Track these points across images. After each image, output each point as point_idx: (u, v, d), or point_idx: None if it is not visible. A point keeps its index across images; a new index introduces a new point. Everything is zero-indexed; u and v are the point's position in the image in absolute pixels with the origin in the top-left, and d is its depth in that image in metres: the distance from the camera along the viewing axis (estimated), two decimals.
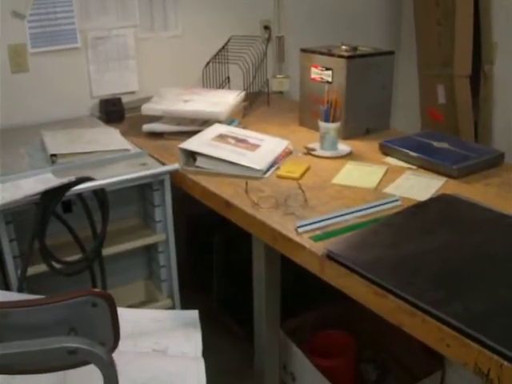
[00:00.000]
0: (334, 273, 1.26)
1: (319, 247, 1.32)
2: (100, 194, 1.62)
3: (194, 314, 1.54)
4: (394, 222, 1.40)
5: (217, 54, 2.58)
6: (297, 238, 1.37)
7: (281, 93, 2.92)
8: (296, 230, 1.40)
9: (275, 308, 1.76)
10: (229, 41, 2.60)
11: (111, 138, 1.97)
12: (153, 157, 1.87)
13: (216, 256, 2.39)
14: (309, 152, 1.96)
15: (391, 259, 1.23)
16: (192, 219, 2.54)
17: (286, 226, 1.43)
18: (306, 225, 1.40)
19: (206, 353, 1.29)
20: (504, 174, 1.82)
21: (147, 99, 2.26)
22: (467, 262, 1.22)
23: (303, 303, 2.03)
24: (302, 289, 1.99)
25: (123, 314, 1.04)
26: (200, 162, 1.83)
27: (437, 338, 1.06)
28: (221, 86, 2.63)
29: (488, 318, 1.03)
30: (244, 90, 2.47)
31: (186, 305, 1.86)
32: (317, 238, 1.36)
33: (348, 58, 2.06)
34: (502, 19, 3.09)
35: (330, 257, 1.27)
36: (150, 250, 1.88)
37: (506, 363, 0.94)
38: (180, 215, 1.91)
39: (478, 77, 3.10)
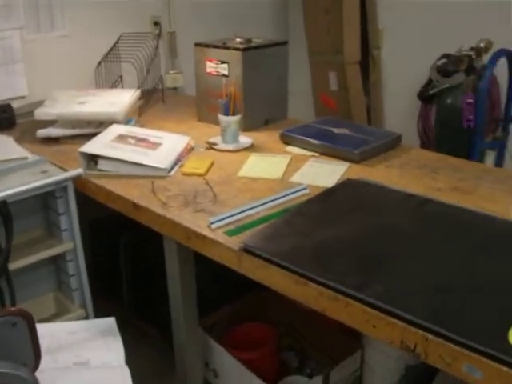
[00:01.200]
0: (252, 266, 1.26)
1: (234, 241, 1.31)
2: (1, 207, 1.54)
3: (111, 321, 1.49)
4: (305, 211, 1.41)
5: (108, 52, 2.52)
6: (211, 235, 1.36)
7: (175, 89, 2.89)
8: (209, 226, 1.39)
9: (192, 307, 1.74)
10: (119, 39, 2.55)
11: (6, 147, 1.88)
12: (52, 163, 1.80)
13: (124, 260, 2.34)
14: (211, 147, 1.95)
15: (308, 247, 1.24)
16: (95, 224, 2.47)
17: (198, 224, 1.41)
18: (218, 220, 1.39)
19: (127, 360, 1.26)
20: (403, 155, 1.88)
21: (39, 103, 2.17)
22: (382, 244, 1.25)
23: (220, 299, 2.02)
24: (217, 285, 1.98)
25: (38, 329, 1.00)
26: (102, 164, 1.78)
27: (362, 321, 1.08)
28: (114, 86, 2.57)
29: (409, 296, 1.06)
30: (138, 88, 2.42)
31: (98, 313, 1.81)
32: (231, 233, 1.35)
33: (243, 50, 2.07)
34: (387, 7, 3.20)
35: (246, 250, 1.26)
36: (57, 260, 1.81)
37: (430, 336, 0.97)
38: (82, 221, 1.85)
39: (367, 63, 3.20)
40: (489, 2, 2.77)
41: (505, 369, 0.90)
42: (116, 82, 2.58)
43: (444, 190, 1.60)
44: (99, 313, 1.73)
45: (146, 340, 2.28)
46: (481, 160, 2.56)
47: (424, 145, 2.90)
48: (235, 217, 1.42)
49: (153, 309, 2.24)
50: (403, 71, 3.22)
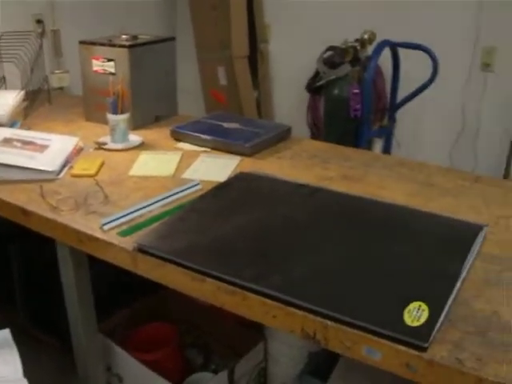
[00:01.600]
0: (148, 265, 1.24)
1: (128, 242, 1.29)
2: None
3: (5, 334, 1.43)
4: (198, 207, 1.40)
5: None
6: (104, 237, 1.33)
7: (61, 89, 2.81)
8: (101, 228, 1.35)
9: (90, 312, 1.69)
10: (0, 38, 2.44)
11: None
12: None
13: (16, 267, 2.25)
14: (100, 147, 1.90)
15: (204, 243, 1.23)
16: None
17: (90, 226, 1.38)
18: (110, 221, 1.36)
19: (25, 372, 1.21)
20: (293, 146, 1.91)
21: None
22: (277, 235, 1.26)
23: (120, 301, 1.98)
24: (116, 287, 1.94)
25: None
26: None
27: (261, 312, 1.08)
28: None
29: (306, 285, 1.08)
30: (22, 89, 2.33)
31: None
32: (124, 233, 1.32)
33: (129, 47, 2.03)
34: (272, 3, 3.24)
35: (140, 250, 1.24)
36: None
37: (330, 323, 0.99)
38: None
39: (256, 57, 3.23)
40: None
41: (402, 348, 0.93)
42: None
43: (335, 178, 1.64)
44: None
45: (44, 350, 2.20)
46: (369, 148, 2.65)
47: (314, 136, 2.96)
48: (128, 217, 1.39)
49: (50, 317, 2.17)
50: (291, 64, 3.28)
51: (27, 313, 2.32)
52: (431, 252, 1.19)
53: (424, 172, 1.69)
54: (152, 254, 1.23)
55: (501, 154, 3.00)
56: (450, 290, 1.05)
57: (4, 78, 2.48)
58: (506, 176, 2.90)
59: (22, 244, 2.21)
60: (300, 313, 1.03)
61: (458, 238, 1.24)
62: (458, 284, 1.07)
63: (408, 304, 1.00)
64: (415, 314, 0.97)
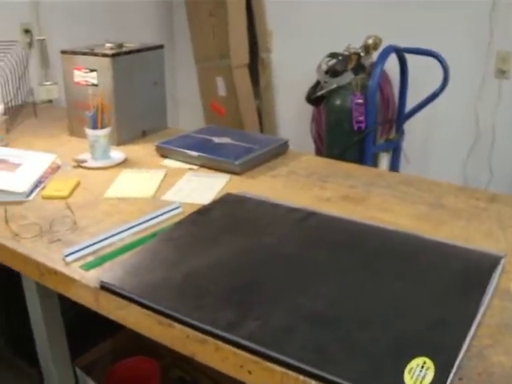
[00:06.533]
0: (111, 305, 1.08)
1: (92, 277, 1.12)
2: None
3: None
4: (174, 235, 1.23)
5: None
6: (65, 270, 1.16)
7: (50, 101, 2.66)
8: (64, 259, 1.19)
9: (62, 346, 1.53)
10: None
11: None
12: None
13: None
14: (79, 165, 1.74)
15: (175, 280, 1.06)
16: None
17: (52, 257, 1.21)
18: (74, 252, 1.20)
19: None
20: (290, 162, 1.75)
21: None
22: (260, 271, 1.09)
23: (99, 334, 1.82)
24: (93, 318, 1.78)
25: None
26: None
27: (235, 366, 0.91)
28: None
29: (287, 334, 0.89)
30: (5, 102, 2.19)
31: None
32: (88, 266, 1.16)
33: (112, 56, 1.88)
34: (276, 7, 3.07)
35: (103, 287, 1.08)
36: None
37: (313, 382, 0.82)
38: None
39: (257, 66, 3.07)
40: None
41: None
42: None
43: (333, 199, 1.48)
44: None
45: (22, 378, 2.06)
46: (375, 164, 2.47)
47: (319, 150, 2.80)
48: (95, 246, 1.23)
49: (30, 346, 2.02)
50: (295, 73, 3.12)
51: (7, 340, 2.17)
52: (440, 291, 1.01)
53: (434, 191, 1.52)
54: (115, 292, 1.06)
55: None
56: (462, 339, 0.87)
57: None
58: None
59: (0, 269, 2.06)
60: (278, 368, 0.86)
61: (472, 273, 1.07)
62: (472, 331, 0.90)
63: (410, 360, 0.82)
64: (418, 373, 0.80)
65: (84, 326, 1.68)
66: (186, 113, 3.39)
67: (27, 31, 2.59)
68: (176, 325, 0.98)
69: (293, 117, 3.18)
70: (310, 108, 2.84)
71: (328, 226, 1.27)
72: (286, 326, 0.92)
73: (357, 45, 2.50)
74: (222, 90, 3.02)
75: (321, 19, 2.98)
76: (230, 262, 1.12)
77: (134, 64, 1.95)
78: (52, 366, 1.52)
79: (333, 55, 2.48)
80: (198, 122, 3.15)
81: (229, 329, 0.92)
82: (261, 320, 0.93)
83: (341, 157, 1.83)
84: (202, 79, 3.13)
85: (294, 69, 3.12)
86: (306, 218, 1.29)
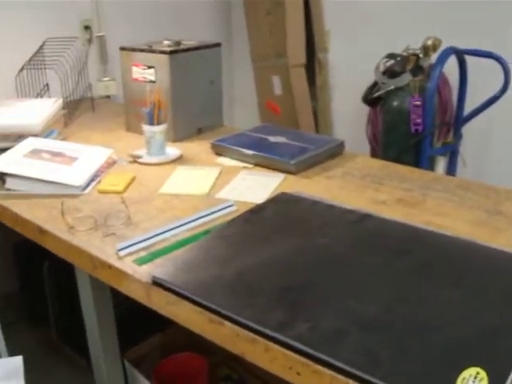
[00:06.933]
0: (163, 300, 1.08)
1: (144, 272, 1.13)
2: None
3: (17, 360, 1.33)
4: (226, 233, 1.23)
5: (31, 59, 2.31)
6: (118, 264, 1.17)
7: (108, 97, 2.70)
8: (117, 253, 1.20)
9: (112, 339, 1.55)
10: (44, 44, 2.34)
11: None
12: None
13: (49, 285, 2.14)
14: (135, 160, 1.76)
15: (227, 278, 1.06)
16: (20, 247, 2.28)
17: (105, 251, 1.22)
18: (127, 247, 1.21)
19: None
20: (346, 163, 1.73)
21: None
22: (313, 272, 1.07)
23: (149, 328, 1.83)
24: (144, 313, 1.80)
25: None
26: (10, 183, 1.58)
27: (284, 367, 0.90)
28: (39, 95, 2.36)
29: (338, 337, 0.88)
30: (65, 96, 2.23)
31: (23, 339, 1.61)
32: (141, 261, 1.17)
33: (170, 53, 1.89)
34: (334, 7, 3.05)
35: (155, 282, 1.08)
36: None
37: None
38: (5, 244, 1.65)
39: (314, 66, 3.04)
40: None
41: None
42: (42, 91, 2.38)
43: (388, 202, 1.45)
44: (25, 339, 1.53)
45: (71, 367, 2.10)
46: (431, 167, 2.42)
47: (374, 151, 2.76)
48: (148, 241, 1.24)
49: (80, 337, 2.05)
50: (352, 74, 3.08)
51: (60, 331, 2.22)
52: (495, 300, 0.98)
53: (492, 197, 1.48)
54: (167, 288, 1.06)
55: None
56: None
57: (47, 85, 2.38)
58: None
59: (54, 261, 2.10)
60: (328, 372, 0.84)
61: None
62: None
63: (462, 370, 0.80)
64: None
65: (135, 320, 1.70)
66: (242, 111, 3.39)
67: (87, 28, 2.63)
68: (226, 323, 0.97)
69: (348, 117, 3.14)
70: (365, 109, 2.80)
71: (383, 229, 1.24)
72: (336, 329, 0.90)
73: (416, 46, 2.45)
74: (278, 89, 3.01)
75: (379, 19, 2.94)
76: (283, 261, 1.11)
77: (191, 61, 1.96)
78: (101, 357, 1.54)
79: (391, 56, 2.44)
80: (254, 121, 3.14)
81: (279, 329, 0.91)
82: (312, 322, 0.92)
83: (397, 159, 1.79)
84: (258, 78, 3.12)
85: (351, 69, 3.08)
86: (360, 220, 1.27)
